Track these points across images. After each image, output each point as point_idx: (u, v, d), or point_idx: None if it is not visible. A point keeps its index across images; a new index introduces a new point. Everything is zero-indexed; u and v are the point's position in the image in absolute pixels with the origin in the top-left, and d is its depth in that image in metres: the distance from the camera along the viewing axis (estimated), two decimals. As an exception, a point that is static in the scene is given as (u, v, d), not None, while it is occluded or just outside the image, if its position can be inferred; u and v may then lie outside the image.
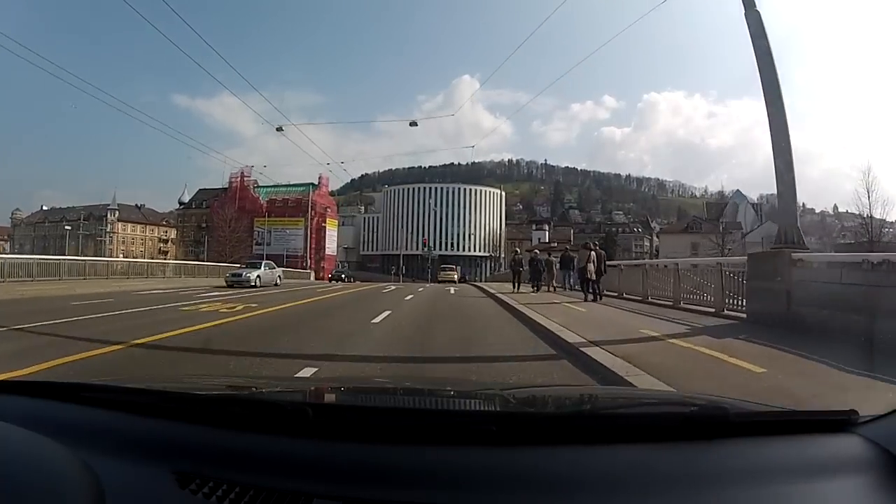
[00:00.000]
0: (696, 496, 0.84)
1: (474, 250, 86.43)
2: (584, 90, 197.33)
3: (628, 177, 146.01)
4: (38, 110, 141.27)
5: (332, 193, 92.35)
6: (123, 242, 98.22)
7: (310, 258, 66.94)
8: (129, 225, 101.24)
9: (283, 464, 0.93)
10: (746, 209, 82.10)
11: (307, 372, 4.42)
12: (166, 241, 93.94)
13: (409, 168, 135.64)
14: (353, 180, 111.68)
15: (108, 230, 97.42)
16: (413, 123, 23.66)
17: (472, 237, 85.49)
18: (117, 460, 0.95)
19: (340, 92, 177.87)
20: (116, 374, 4.21)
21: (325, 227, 69.13)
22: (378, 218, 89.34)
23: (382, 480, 0.88)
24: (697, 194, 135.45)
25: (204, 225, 78.79)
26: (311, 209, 67.17)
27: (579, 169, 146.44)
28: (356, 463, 0.92)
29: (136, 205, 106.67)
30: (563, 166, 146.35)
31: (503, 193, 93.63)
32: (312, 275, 47.44)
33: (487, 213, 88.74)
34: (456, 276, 42.65)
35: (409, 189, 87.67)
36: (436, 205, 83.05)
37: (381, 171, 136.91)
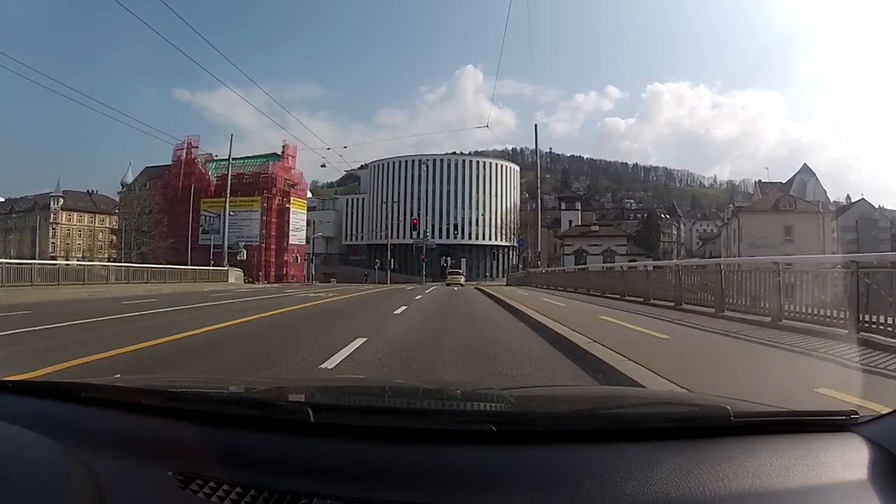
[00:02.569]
0: (696, 496, 0.83)
1: (485, 238, 69.53)
2: (588, 81, 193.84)
3: (636, 166, 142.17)
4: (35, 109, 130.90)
5: (329, 185, 77.02)
6: (69, 235, 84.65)
7: (267, 250, 51.02)
8: (77, 214, 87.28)
9: (283, 464, 0.93)
10: (816, 188, 66.85)
11: None
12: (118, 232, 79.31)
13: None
14: (351, 171, 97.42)
15: (50, 221, 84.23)
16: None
17: (482, 221, 68.67)
18: (117, 460, 0.95)
19: (342, 84, 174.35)
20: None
21: (288, 208, 53.12)
22: (364, 200, 72.27)
23: (382, 480, 0.88)
24: (706, 184, 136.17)
25: (147, 210, 64.74)
26: (269, 188, 51.13)
27: (585, 158, 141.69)
28: (356, 463, 0.92)
29: (88, 191, 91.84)
30: (568, 155, 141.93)
31: (518, 169, 77.08)
32: (235, 275, 30.91)
33: (502, 192, 71.69)
34: (463, 280, 37.92)
35: (400, 162, 70.60)
36: (430, 171, 66.42)
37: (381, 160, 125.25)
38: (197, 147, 57.84)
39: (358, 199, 73.38)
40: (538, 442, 0.97)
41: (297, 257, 50.90)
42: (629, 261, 55.06)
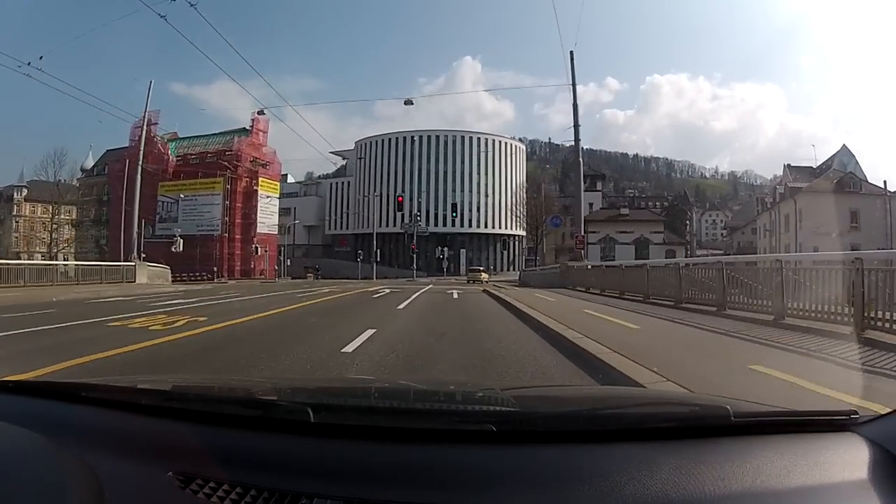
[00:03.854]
0: (696, 496, 0.83)
1: (488, 225, 61.23)
2: (587, 72, 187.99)
3: (636, 156, 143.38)
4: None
5: (327, 177, 69.75)
6: (32, 228, 78.08)
7: (230, 240, 43.26)
8: (41, 206, 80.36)
9: (283, 464, 0.93)
10: (856, 171, 59.20)
11: None
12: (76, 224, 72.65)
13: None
14: (347, 163, 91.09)
15: (13, 214, 77.68)
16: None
17: (485, 207, 60.41)
18: (117, 460, 0.95)
19: (339, 76, 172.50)
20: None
21: (256, 191, 45.22)
22: (349, 184, 63.93)
23: (382, 480, 0.88)
24: (707, 175, 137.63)
25: (105, 198, 58.05)
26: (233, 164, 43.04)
27: (585, 149, 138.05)
28: (356, 463, 0.92)
29: (56, 181, 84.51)
30: (567, 145, 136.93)
31: (525, 148, 68.82)
32: (151, 273, 23.03)
33: (507, 173, 62.88)
34: (486, 277, 36.30)
35: (390, 140, 62.15)
36: (424, 149, 58.58)
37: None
38: (156, 123, 49.75)
39: (343, 184, 64.88)
40: (538, 442, 0.97)
41: (256, 248, 42.67)
42: (667, 251, 46.95)
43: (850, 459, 0.93)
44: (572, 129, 18.68)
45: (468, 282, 33.52)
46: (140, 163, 24.97)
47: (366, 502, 0.83)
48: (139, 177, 25.65)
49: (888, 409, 1.07)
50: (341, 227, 64.18)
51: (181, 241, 31.50)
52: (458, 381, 3.05)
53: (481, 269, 42.32)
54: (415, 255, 42.46)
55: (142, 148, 24.61)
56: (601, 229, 44.65)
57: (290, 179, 69.83)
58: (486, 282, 31.48)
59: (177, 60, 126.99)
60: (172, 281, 27.22)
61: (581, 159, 19.38)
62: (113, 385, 1.44)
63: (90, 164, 67.12)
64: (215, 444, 0.97)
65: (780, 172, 63.53)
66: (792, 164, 70.07)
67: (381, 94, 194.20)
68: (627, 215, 49.57)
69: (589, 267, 18.24)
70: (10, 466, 0.86)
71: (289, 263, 45.56)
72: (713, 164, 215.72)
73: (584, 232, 47.31)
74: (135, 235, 24.01)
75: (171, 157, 48.76)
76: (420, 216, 47.66)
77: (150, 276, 22.70)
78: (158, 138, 50.19)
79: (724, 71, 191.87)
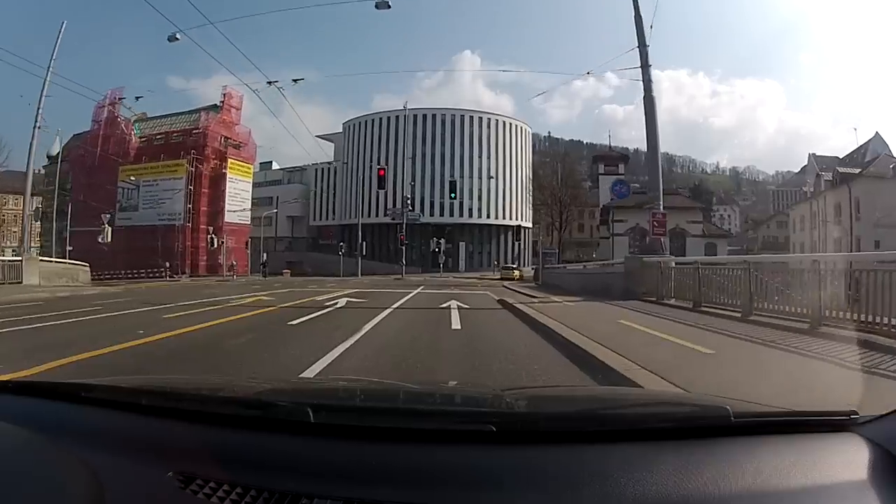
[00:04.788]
0: (696, 496, 0.83)
1: (490, 216, 55.30)
2: (586, 67, 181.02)
3: (636, 151, 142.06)
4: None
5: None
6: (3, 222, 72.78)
7: (193, 231, 37.82)
8: (12, 197, 75.02)
9: (283, 464, 0.94)
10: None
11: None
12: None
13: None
14: (334, 148, 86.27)
15: None
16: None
17: (487, 195, 54.54)
18: (117, 460, 0.95)
19: (337, 69, 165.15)
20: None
21: (225, 174, 39.71)
22: (336, 170, 57.81)
23: (382, 481, 0.88)
24: (709, 170, 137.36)
25: (69, 186, 52.36)
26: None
27: (585, 143, 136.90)
28: (356, 463, 0.93)
29: (29, 171, 78.57)
30: (567, 139, 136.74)
31: (531, 131, 63.03)
32: (49, 272, 17.59)
33: (512, 158, 56.97)
34: (518, 274, 35.34)
35: (381, 120, 56.04)
36: (419, 129, 52.93)
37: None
38: (123, 99, 43.98)
39: (330, 170, 58.79)
40: (538, 442, 0.98)
41: (212, 238, 36.88)
42: (706, 244, 40.67)
43: (850, 459, 0.93)
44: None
45: (500, 278, 32.75)
46: (36, 125, 19.45)
47: (366, 502, 0.83)
48: (33, 141, 20.12)
49: (888, 409, 1.06)
50: (327, 218, 58.44)
51: (109, 230, 26.04)
52: (458, 382, 3.08)
53: (514, 266, 42.45)
54: (404, 248, 36.66)
55: (40, 105, 19.03)
56: (629, 217, 37.58)
57: (276, 166, 64.24)
58: (518, 278, 31.51)
59: (175, 56, 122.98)
60: (94, 280, 21.82)
61: (652, 94, 13.42)
62: (113, 385, 1.43)
63: (56, 150, 61.72)
64: (215, 444, 0.98)
65: (781, 168, 58.55)
66: (818, 156, 64.22)
67: (379, 88, 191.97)
68: (648, 202, 43.03)
69: (681, 263, 10.42)
70: (10, 466, 0.86)
71: (265, 257, 40.05)
72: (713, 159, 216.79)
73: (612, 220, 41.42)
74: (25, 220, 18.61)
75: (133, 139, 43.34)
76: (410, 200, 42.06)
77: (48, 274, 17.25)
78: (122, 118, 44.89)
79: (724, 67, 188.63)
